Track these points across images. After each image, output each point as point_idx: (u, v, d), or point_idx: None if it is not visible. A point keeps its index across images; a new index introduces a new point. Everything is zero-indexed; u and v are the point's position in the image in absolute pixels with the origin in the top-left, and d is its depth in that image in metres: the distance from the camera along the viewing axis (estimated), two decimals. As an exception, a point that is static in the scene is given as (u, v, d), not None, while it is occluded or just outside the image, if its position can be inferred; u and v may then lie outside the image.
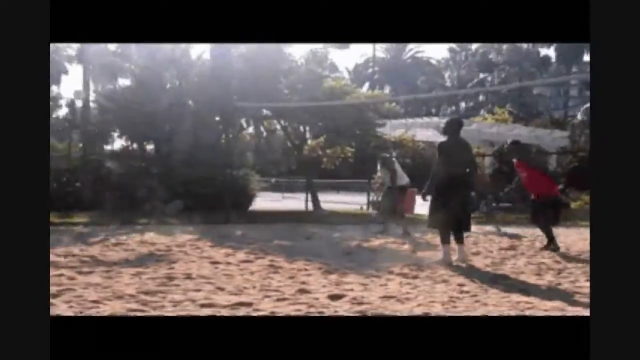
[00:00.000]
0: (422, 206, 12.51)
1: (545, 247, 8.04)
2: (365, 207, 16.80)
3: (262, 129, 16.97)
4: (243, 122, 15.85)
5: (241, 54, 14.23)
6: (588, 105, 28.27)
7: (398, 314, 4.04)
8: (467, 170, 6.67)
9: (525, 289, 5.17)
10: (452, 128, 6.74)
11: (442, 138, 6.94)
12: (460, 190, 6.55)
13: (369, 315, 3.98)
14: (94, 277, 5.08)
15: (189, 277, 5.19)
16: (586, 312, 3.91)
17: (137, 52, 14.11)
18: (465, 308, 4.31)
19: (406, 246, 8.08)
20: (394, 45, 57.67)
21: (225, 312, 3.94)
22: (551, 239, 8.08)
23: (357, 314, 3.99)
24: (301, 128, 17.03)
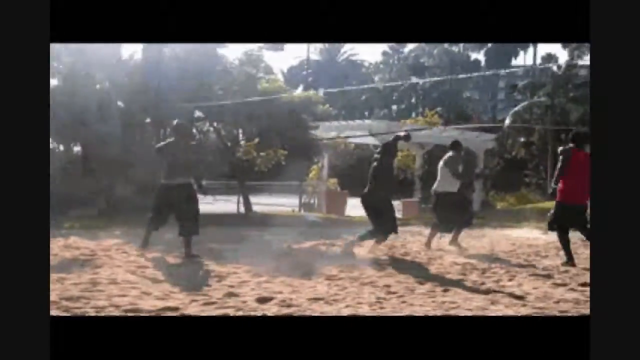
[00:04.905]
0: (354, 208, 12.73)
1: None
2: (297, 209, 16.89)
3: (194, 130, 16.71)
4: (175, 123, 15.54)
5: (174, 55, 13.98)
6: (516, 108, 29.06)
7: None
8: None
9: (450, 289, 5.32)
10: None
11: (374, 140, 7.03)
12: None
13: (296, 316, 4.06)
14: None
15: (113, 282, 5.11)
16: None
17: (66, 52, 13.59)
18: (392, 309, 4.42)
19: (335, 247, 8.18)
20: (327, 47, 57.94)
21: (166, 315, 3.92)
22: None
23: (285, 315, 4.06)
24: (234, 130, 16.78)
